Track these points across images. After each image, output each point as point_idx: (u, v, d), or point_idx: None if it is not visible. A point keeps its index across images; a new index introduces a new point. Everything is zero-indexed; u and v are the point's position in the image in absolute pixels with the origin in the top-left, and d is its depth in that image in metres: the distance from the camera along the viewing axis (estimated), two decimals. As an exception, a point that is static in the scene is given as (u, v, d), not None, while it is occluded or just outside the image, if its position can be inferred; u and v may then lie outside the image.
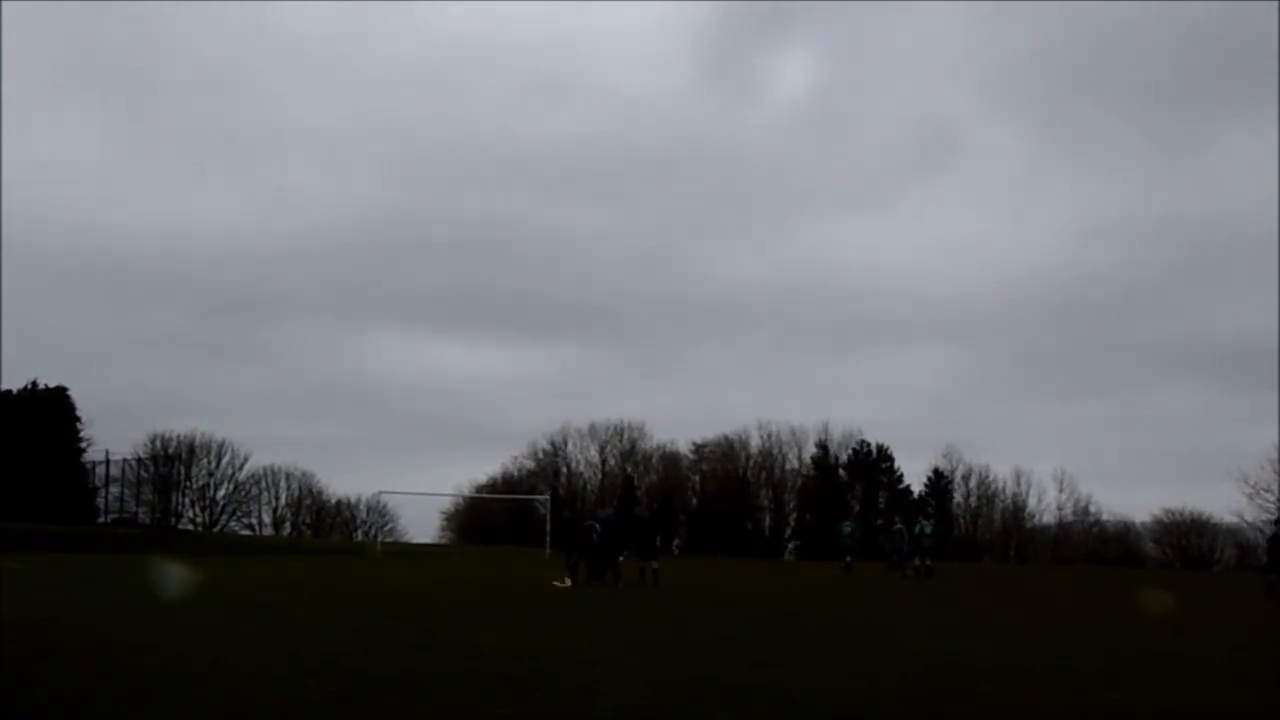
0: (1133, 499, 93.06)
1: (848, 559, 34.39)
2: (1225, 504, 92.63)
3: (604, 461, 79.47)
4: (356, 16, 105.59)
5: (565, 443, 79.62)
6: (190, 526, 72.34)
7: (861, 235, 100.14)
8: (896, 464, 75.39)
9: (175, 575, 21.99)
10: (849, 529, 41.78)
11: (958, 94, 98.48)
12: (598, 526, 23.42)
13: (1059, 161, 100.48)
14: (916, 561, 30.78)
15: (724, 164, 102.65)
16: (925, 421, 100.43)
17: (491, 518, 78.40)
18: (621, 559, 23.62)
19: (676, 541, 74.77)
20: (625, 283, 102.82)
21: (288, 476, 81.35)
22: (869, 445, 75.44)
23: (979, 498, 75.21)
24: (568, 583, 22.07)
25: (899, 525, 34.03)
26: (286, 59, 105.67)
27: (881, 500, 74.20)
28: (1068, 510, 72.07)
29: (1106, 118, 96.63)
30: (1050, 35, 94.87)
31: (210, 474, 76.11)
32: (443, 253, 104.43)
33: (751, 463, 76.88)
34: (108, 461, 67.16)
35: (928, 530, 32.84)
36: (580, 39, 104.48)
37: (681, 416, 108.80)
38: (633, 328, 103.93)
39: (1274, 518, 49.07)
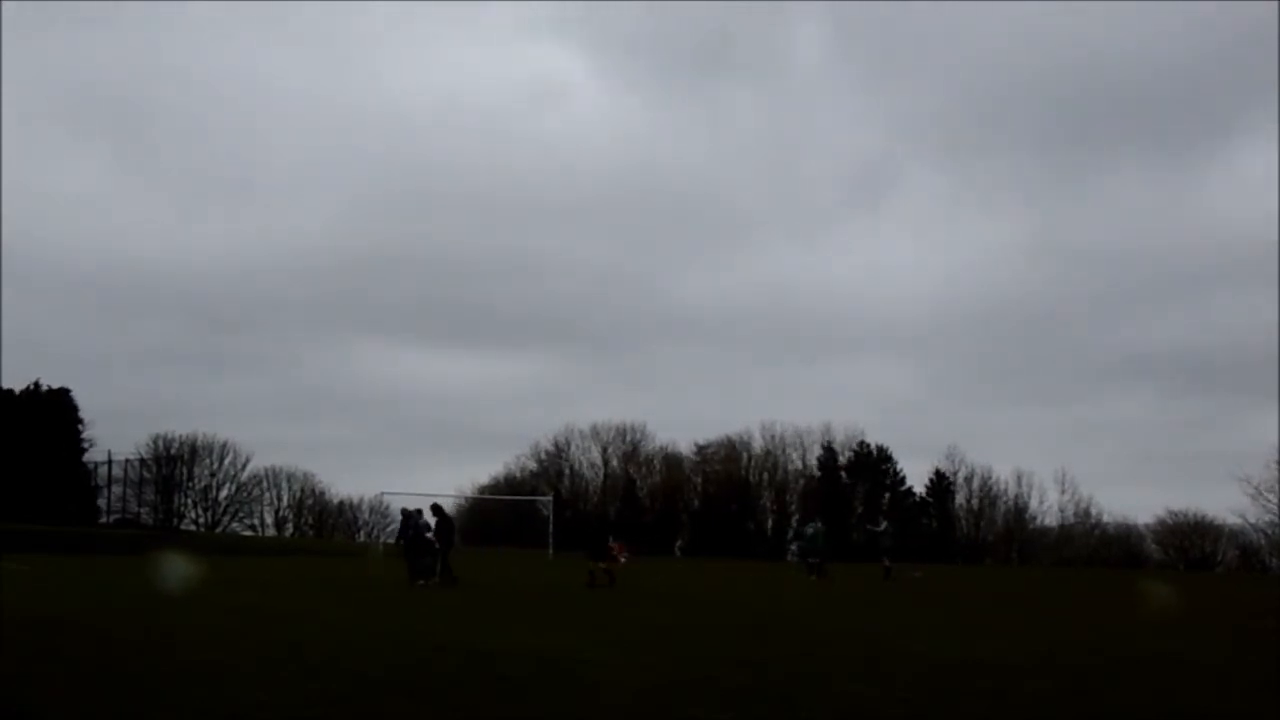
0: (1130, 499, 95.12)
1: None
2: (1216, 506, 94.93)
3: (606, 462, 79.45)
4: (337, 71, 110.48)
5: (568, 444, 79.66)
6: (192, 527, 72.38)
7: (814, 259, 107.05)
8: (899, 465, 75.54)
9: (177, 576, 22.01)
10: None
11: (884, 137, 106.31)
12: (410, 527, 23.48)
13: (973, 196, 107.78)
14: (886, 562, 31.11)
15: (696, 193, 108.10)
16: (920, 424, 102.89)
17: (494, 519, 78.36)
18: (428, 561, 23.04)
19: (679, 542, 74.81)
20: (624, 299, 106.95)
21: (290, 478, 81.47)
22: (869, 446, 75.47)
23: (981, 499, 75.11)
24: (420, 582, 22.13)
25: (816, 525, 33.94)
26: (282, 100, 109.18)
27: (884, 501, 74.16)
28: (1069, 512, 71.97)
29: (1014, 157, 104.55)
30: (963, 86, 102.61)
31: (212, 475, 76.23)
32: (442, 268, 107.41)
33: (754, 464, 76.86)
34: (110, 462, 67.30)
35: (878, 531, 33.96)
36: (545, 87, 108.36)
37: (683, 419, 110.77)
38: (631, 339, 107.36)
39: (1276, 519, 49.07)
